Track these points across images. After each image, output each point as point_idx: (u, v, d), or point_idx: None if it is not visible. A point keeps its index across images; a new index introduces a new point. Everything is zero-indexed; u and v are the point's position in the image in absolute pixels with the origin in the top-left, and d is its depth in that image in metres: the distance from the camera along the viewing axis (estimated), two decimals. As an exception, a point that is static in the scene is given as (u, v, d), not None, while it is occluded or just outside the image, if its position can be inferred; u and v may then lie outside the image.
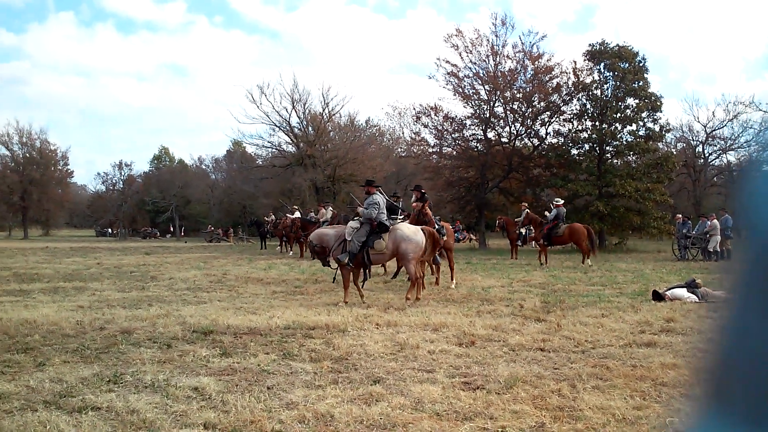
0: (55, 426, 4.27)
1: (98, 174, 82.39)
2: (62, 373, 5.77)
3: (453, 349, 6.92)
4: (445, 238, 13.78)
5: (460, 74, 36.65)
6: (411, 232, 11.17)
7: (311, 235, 12.27)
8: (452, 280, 13.77)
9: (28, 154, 62.76)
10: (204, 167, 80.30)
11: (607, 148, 33.50)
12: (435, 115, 37.95)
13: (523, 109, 36.27)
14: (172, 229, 70.74)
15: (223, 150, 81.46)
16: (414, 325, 8.44)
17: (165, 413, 4.63)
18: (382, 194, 12.00)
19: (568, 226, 21.03)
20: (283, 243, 29.67)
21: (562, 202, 22.35)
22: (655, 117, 33.23)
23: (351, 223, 10.99)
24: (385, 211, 11.24)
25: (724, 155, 50.13)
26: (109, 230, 74.10)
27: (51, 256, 25.83)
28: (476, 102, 36.85)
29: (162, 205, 73.24)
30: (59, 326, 8.22)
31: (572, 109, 35.30)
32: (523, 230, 23.32)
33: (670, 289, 11.33)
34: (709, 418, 0.77)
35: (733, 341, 0.75)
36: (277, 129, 48.73)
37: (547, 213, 21.83)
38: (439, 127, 38.41)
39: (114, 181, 76.45)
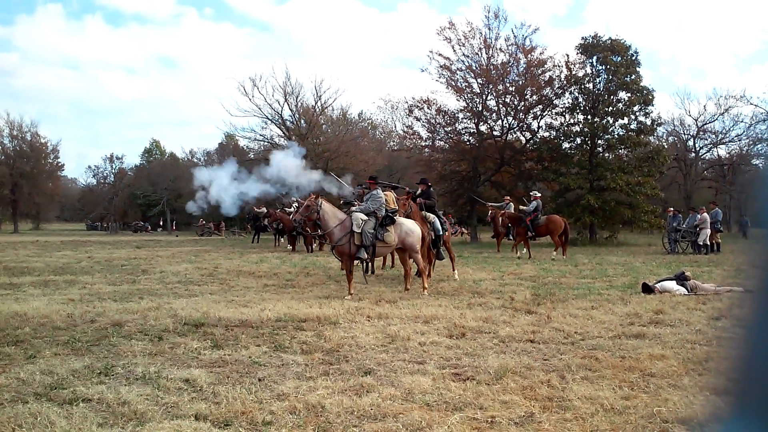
0: (46, 417, 4.27)
1: (89, 167, 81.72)
2: (53, 365, 5.77)
3: (443, 340, 6.95)
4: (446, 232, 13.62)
5: (453, 67, 36.72)
6: (414, 226, 11.67)
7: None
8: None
9: (18, 147, 62.40)
10: (195, 160, 79.98)
11: (599, 141, 33.57)
12: (428, 108, 38.00)
13: (516, 103, 36.33)
14: (162, 223, 70.52)
15: (214, 143, 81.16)
16: (405, 317, 8.47)
17: (156, 405, 4.64)
18: (392, 188, 12.13)
19: (546, 216, 21.74)
20: (276, 236, 29.65)
21: (540, 195, 22.59)
22: (647, 111, 33.31)
23: (358, 215, 11.03)
24: (384, 206, 11.37)
25: (715, 149, 50.48)
26: (100, 224, 73.83)
27: (41, 250, 25.73)
28: (469, 95, 36.90)
29: (153, 198, 72.96)
30: (50, 319, 8.20)
31: (564, 103, 35.45)
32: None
33: (659, 281, 11.41)
34: (729, 416, 0.77)
35: (755, 340, 0.75)
36: (269, 122, 48.56)
37: (522, 207, 21.89)
38: (432, 121, 38.46)
39: (105, 175, 75.99)
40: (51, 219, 77.84)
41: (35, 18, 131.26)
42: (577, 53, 34.33)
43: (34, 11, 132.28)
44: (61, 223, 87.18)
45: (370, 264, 14.45)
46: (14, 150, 62.10)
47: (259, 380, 5.32)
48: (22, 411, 4.42)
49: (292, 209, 26.88)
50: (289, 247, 26.62)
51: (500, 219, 22.97)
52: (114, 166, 75.59)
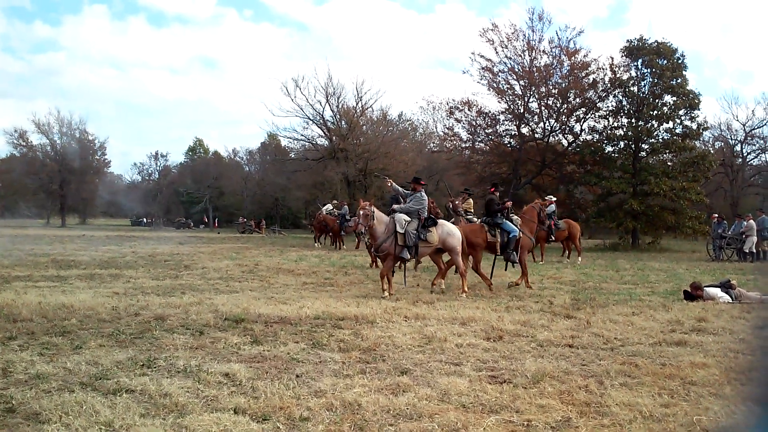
0: (91, 406, 4.40)
1: (134, 164, 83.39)
2: (98, 356, 5.93)
3: (481, 343, 6.94)
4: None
5: (495, 69, 36.54)
6: (454, 228, 11.87)
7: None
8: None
9: (67, 144, 63.88)
10: (238, 159, 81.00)
11: (643, 145, 33.02)
12: (468, 110, 37.86)
13: (558, 105, 35.97)
14: (206, 220, 71.57)
15: (256, 142, 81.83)
16: (442, 318, 8.48)
17: (196, 397, 4.74)
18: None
19: (566, 221, 22.31)
20: (319, 236, 30.29)
21: (555, 199, 22.99)
22: (693, 115, 32.62)
23: (401, 216, 11.12)
24: (426, 207, 11.46)
25: (763, 155, 49.21)
26: (144, 220, 75.24)
27: (87, 244, 26.34)
28: (510, 97, 36.68)
29: (196, 195, 74.08)
30: (95, 311, 8.42)
31: (608, 106, 34.95)
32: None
33: (704, 288, 11.17)
34: (754, 419, 0.77)
35: None
36: (310, 122, 48.87)
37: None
38: (473, 123, 38.31)
39: (149, 172, 77.53)
40: (97, 214, 79.53)
41: (81, 18, 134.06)
42: (622, 56, 33.80)
43: (80, 11, 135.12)
44: (106, 218, 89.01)
45: (415, 262, 14.66)
46: (63, 146, 63.54)
47: (297, 376, 5.39)
48: (68, 399, 4.57)
49: (337, 211, 27.64)
50: (332, 246, 27.28)
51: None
52: (159, 164, 77.07)
